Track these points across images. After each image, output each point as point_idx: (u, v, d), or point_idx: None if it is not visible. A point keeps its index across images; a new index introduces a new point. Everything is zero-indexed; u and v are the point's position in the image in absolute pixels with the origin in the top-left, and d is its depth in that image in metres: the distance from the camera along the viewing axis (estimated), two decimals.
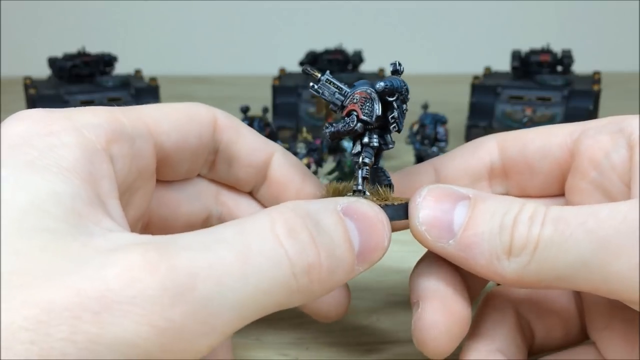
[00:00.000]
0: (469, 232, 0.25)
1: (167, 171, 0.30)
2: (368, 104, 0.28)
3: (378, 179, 0.30)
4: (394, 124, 0.28)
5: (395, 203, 0.28)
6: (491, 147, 0.32)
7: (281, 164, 0.32)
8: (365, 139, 0.28)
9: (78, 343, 0.18)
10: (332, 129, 0.28)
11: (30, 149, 0.23)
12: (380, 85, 0.28)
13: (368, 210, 0.25)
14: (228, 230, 0.22)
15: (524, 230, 0.24)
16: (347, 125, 0.28)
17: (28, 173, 0.22)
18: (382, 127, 0.29)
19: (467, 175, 0.32)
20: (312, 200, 0.25)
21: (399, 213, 0.27)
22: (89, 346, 0.18)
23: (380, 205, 0.27)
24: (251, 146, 0.32)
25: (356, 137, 0.29)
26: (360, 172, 0.29)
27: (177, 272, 0.20)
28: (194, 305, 0.20)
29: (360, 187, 0.29)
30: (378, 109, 0.28)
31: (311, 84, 0.29)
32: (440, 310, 0.27)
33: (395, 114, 0.28)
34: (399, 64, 0.28)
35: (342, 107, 0.29)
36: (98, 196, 0.23)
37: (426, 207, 0.26)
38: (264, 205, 0.33)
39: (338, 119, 0.29)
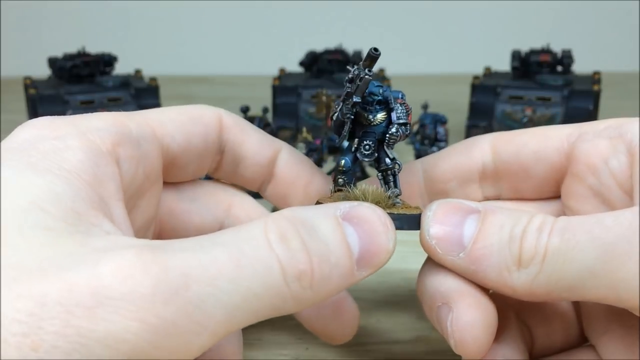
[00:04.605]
0: (479, 245, 0.25)
1: (174, 173, 0.30)
2: None
3: (349, 178, 0.30)
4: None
5: (408, 213, 0.28)
6: (484, 148, 0.32)
7: (287, 161, 0.32)
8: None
9: (69, 337, 0.18)
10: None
11: (34, 152, 0.23)
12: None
13: (370, 214, 0.25)
14: (225, 235, 0.23)
15: (532, 240, 0.24)
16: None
17: (30, 174, 0.22)
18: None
19: (458, 176, 0.32)
20: (312, 206, 0.25)
21: (411, 224, 0.27)
22: (79, 340, 0.18)
23: (391, 214, 0.26)
24: (257, 145, 0.32)
25: (379, 144, 0.29)
26: (398, 176, 0.29)
27: (170, 272, 0.20)
28: (186, 304, 0.20)
29: (399, 191, 0.29)
30: None
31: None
32: (476, 308, 0.26)
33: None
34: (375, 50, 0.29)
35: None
36: (101, 198, 0.23)
37: (436, 221, 0.26)
38: (274, 204, 0.34)
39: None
